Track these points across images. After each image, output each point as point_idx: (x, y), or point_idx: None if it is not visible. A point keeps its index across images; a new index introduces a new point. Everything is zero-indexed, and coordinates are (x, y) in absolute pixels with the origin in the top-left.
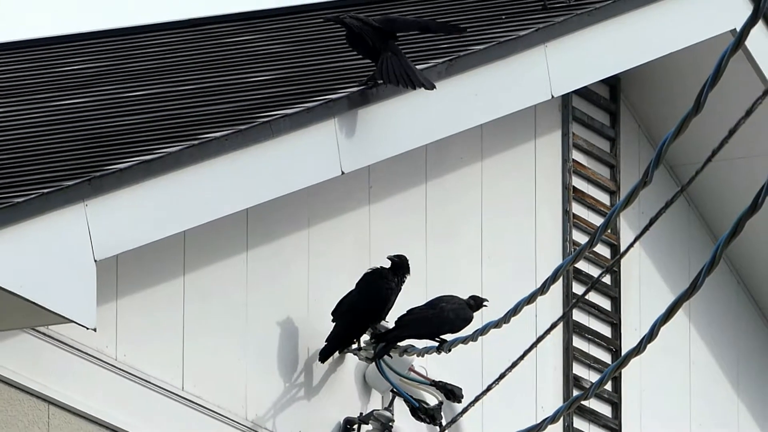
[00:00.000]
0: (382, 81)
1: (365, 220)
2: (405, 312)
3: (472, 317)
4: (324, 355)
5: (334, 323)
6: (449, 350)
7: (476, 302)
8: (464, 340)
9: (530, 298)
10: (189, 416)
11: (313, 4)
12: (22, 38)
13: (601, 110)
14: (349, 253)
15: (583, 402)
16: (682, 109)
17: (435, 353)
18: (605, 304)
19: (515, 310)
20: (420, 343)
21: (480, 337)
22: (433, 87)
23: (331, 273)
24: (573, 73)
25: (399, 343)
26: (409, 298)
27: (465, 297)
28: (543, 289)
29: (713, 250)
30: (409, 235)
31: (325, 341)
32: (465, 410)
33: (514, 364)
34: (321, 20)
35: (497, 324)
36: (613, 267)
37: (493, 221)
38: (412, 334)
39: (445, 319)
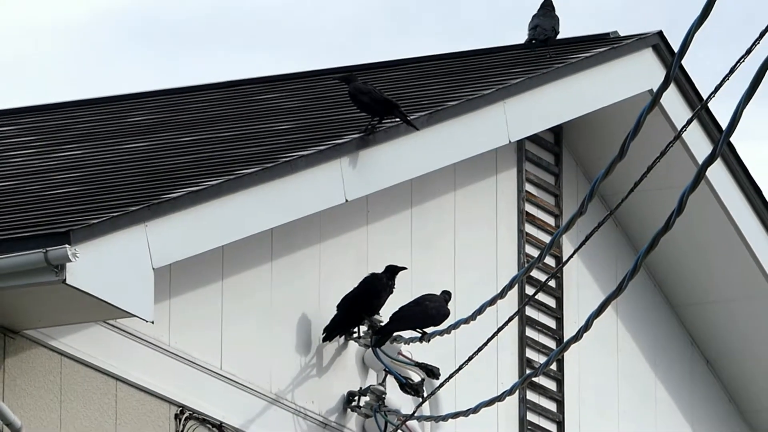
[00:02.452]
0: (407, 123)
1: (364, 236)
2: (397, 309)
3: (449, 313)
4: (327, 333)
5: (338, 311)
6: (429, 340)
7: (448, 296)
8: (441, 333)
9: (492, 301)
10: (225, 389)
11: (321, 70)
12: (96, 96)
13: (547, 152)
14: (351, 261)
15: (534, 378)
16: (611, 150)
17: (418, 342)
18: (551, 302)
19: (480, 311)
20: (407, 333)
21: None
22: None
23: (337, 277)
24: (526, 123)
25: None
26: (398, 297)
27: (439, 293)
28: (502, 294)
29: (635, 260)
30: (398, 248)
31: (329, 322)
32: (441, 385)
33: (479, 349)
34: (329, 81)
35: (466, 321)
36: (556, 273)
37: (464, 238)
38: (403, 327)
39: (429, 315)
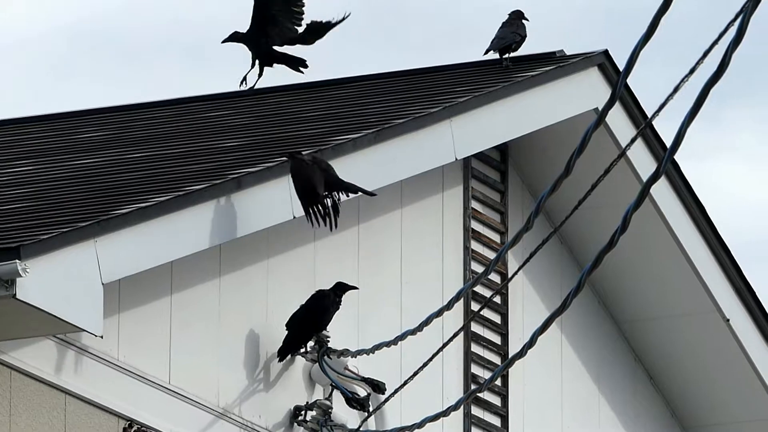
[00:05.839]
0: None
1: (311, 252)
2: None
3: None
4: (281, 354)
5: (288, 331)
6: (373, 352)
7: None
8: (387, 344)
9: (438, 313)
10: (173, 403)
11: (269, 88)
12: (48, 112)
13: (493, 169)
14: (298, 278)
15: (479, 394)
16: (557, 168)
17: (365, 354)
18: (496, 318)
19: (427, 322)
20: (354, 347)
21: (399, 342)
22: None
23: (284, 293)
24: (472, 141)
25: (336, 348)
26: (344, 312)
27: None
28: (449, 305)
29: (579, 277)
30: (345, 264)
31: (282, 344)
32: (387, 399)
33: (425, 364)
34: (277, 99)
35: (413, 332)
36: (502, 290)
37: (410, 254)
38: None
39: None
